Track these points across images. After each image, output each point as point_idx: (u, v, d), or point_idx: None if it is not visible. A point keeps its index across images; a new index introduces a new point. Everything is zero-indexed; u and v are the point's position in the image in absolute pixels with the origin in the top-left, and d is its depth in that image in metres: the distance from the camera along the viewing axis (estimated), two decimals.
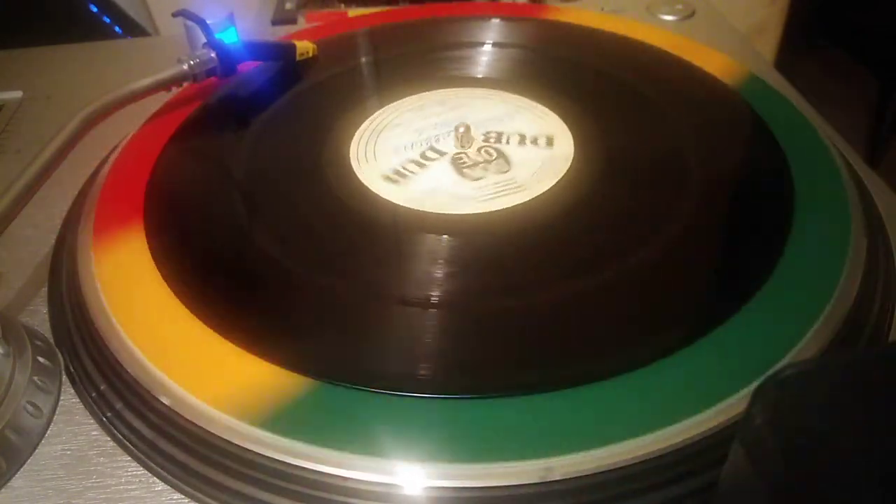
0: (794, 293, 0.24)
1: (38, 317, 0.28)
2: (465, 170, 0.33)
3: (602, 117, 0.35)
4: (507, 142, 0.34)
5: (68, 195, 0.35)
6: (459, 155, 0.34)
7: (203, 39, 0.37)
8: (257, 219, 0.30)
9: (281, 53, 0.41)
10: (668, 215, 0.29)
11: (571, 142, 0.34)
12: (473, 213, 0.30)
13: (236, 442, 0.21)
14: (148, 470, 0.22)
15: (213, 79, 0.37)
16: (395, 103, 0.38)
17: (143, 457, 0.23)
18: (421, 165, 0.33)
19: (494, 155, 0.34)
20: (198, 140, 0.36)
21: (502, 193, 0.31)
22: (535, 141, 0.34)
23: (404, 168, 0.33)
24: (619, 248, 0.28)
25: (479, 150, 0.34)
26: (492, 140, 0.35)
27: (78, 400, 0.25)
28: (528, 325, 0.25)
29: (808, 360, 0.22)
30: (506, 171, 0.32)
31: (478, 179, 0.32)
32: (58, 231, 0.33)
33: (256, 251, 0.29)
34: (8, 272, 0.31)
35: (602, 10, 0.49)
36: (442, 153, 0.34)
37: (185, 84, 0.36)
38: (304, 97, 0.40)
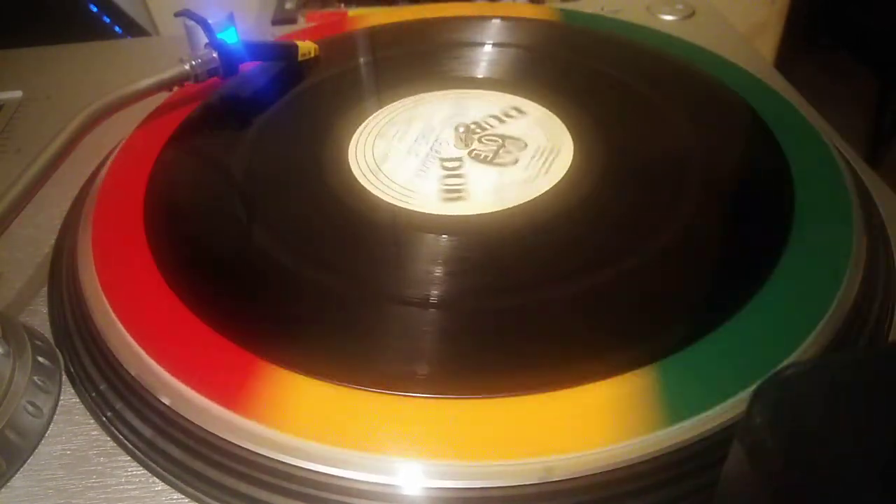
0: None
1: (38, 317, 0.28)
2: (455, 170, 0.33)
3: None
4: (507, 141, 0.34)
5: (68, 195, 0.35)
6: (462, 153, 0.34)
7: (204, 40, 0.37)
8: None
9: (283, 54, 0.41)
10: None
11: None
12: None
13: (236, 441, 0.21)
14: (148, 470, 0.22)
15: (214, 79, 0.37)
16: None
17: (142, 457, 0.23)
18: (423, 164, 0.33)
19: (491, 155, 0.34)
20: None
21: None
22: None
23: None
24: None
25: (479, 147, 0.34)
26: (492, 140, 0.35)
27: (78, 400, 0.25)
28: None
29: (808, 360, 0.22)
30: (505, 168, 0.32)
31: (472, 175, 0.32)
32: (58, 231, 0.33)
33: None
34: (8, 272, 0.31)
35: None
36: (442, 153, 0.34)
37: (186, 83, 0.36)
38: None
